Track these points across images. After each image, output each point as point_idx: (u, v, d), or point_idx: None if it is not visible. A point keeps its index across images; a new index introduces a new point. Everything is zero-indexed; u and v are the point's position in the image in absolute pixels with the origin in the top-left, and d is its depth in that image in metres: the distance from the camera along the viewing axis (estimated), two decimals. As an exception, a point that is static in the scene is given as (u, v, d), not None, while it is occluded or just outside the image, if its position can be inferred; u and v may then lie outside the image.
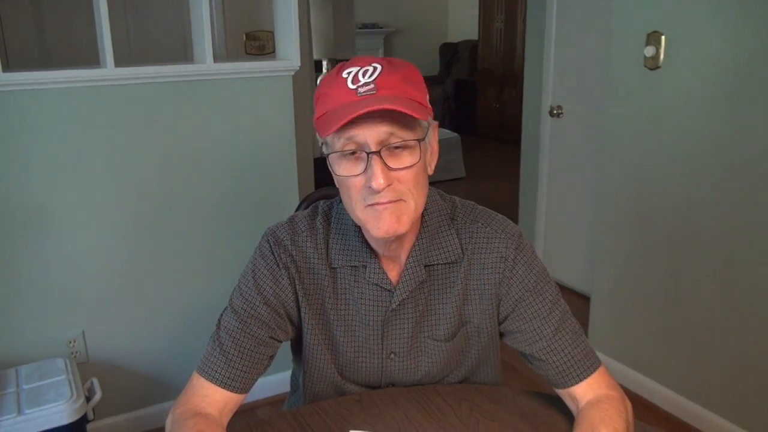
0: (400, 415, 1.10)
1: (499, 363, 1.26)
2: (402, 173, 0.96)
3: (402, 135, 0.95)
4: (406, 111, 0.92)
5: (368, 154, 0.95)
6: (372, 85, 0.94)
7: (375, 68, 0.96)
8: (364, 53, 5.41)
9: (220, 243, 2.36)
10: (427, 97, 1.01)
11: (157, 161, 2.20)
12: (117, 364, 2.27)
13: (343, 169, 0.98)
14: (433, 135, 1.04)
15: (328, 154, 0.99)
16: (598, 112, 2.96)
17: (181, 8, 2.93)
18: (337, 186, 1.04)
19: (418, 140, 0.97)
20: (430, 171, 1.05)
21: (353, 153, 0.96)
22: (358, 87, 0.95)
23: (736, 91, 2.06)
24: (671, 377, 2.41)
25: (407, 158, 0.97)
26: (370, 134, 0.94)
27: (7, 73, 1.93)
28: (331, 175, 1.02)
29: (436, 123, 1.04)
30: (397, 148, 0.96)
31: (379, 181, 0.94)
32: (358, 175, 0.97)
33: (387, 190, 0.96)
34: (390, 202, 0.97)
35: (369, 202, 0.97)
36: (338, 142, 0.96)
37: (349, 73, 0.96)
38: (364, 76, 0.95)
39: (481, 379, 1.24)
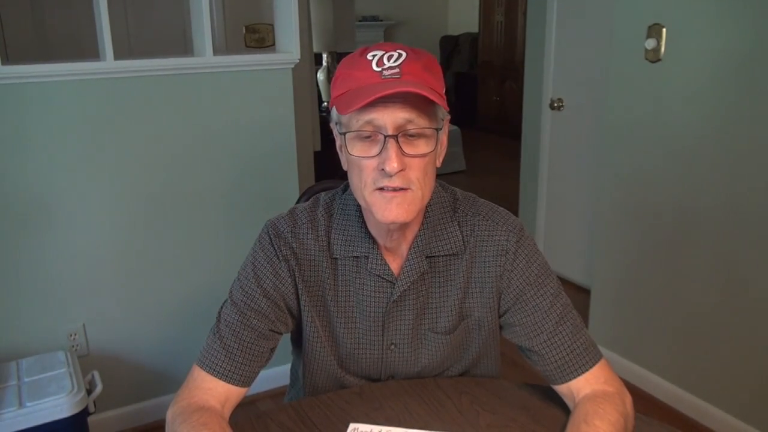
0: (401, 408, 1.10)
1: (499, 356, 1.27)
2: (415, 161, 0.97)
3: (420, 123, 0.96)
4: (431, 96, 0.94)
5: (385, 137, 0.95)
6: (397, 70, 0.96)
7: (400, 54, 0.97)
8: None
9: (220, 236, 2.36)
10: (444, 89, 1.02)
11: (157, 154, 2.20)
12: (118, 357, 2.27)
13: (357, 150, 0.99)
14: (444, 129, 1.05)
15: (343, 133, 1.00)
16: (598, 105, 2.95)
17: (181, 1, 2.92)
18: (346, 167, 1.05)
19: (435, 129, 0.99)
20: (438, 164, 1.05)
21: (368, 137, 0.97)
22: (383, 70, 0.96)
23: (737, 83, 2.05)
24: (671, 370, 2.42)
25: (423, 146, 0.98)
26: (390, 119, 0.95)
27: (6, 66, 1.93)
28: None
29: (448, 117, 1.05)
30: (412, 136, 0.97)
31: (393, 165, 0.95)
32: (372, 156, 0.97)
33: (398, 175, 0.96)
34: (398, 188, 0.97)
35: (378, 185, 0.98)
36: (356, 123, 0.97)
37: (374, 56, 0.97)
38: (389, 60, 0.96)
39: (481, 371, 1.24)
